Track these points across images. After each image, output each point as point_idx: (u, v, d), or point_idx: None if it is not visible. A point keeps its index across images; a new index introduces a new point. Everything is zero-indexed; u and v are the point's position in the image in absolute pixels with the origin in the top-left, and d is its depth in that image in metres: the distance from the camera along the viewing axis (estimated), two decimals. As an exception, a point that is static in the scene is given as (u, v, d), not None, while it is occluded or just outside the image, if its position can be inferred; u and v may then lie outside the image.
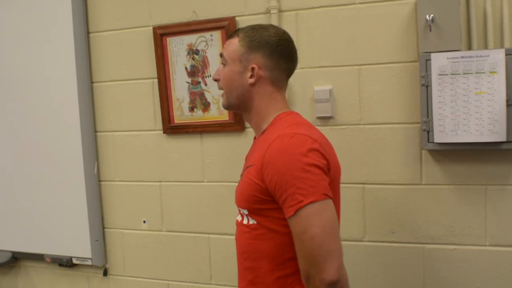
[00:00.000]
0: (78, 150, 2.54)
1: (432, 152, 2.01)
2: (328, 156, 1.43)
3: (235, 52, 1.54)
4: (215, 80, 1.62)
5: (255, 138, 1.64)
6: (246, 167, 1.54)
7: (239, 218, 1.56)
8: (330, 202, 1.37)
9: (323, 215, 1.35)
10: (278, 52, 1.54)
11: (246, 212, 1.50)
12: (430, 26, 1.90)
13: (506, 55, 1.81)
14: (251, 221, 1.49)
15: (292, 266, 1.44)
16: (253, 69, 1.52)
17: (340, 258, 1.36)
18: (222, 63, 1.59)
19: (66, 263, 2.68)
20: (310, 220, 1.33)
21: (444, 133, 1.90)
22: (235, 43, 1.55)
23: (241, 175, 1.57)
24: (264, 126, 1.56)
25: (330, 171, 1.44)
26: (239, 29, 1.59)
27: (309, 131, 1.45)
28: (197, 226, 2.45)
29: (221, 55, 1.59)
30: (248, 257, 1.52)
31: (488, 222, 1.99)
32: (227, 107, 1.63)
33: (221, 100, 2.22)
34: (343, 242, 2.11)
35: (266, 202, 1.43)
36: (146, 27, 2.42)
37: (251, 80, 1.53)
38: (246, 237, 1.52)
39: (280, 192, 1.37)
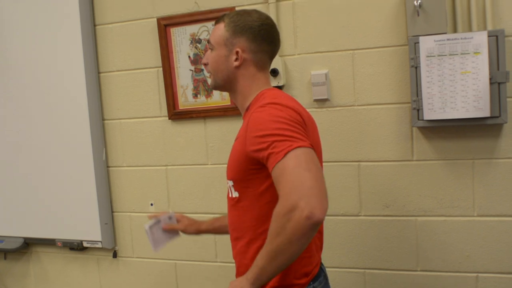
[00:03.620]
0: (87, 138, 2.66)
1: (422, 129, 2.14)
2: (308, 130, 1.49)
3: (220, 37, 1.63)
4: (205, 64, 1.71)
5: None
6: (234, 140, 1.62)
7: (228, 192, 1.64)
8: (315, 154, 1.38)
9: (314, 158, 1.34)
10: (260, 35, 1.61)
11: (231, 183, 1.57)
12: (418, 12, 2.04)
13: (488, 36, 1.94)
14: (234, 194, 1.57)
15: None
16: (237, 52, 1.60)
17: (327, 203, 1.30)
18: (210, 48, 1.67)
19: (77, 247, 2.78)
20: (304, 157, 1.32)
21: (432, 111, 2.03)
22: (221, 28, 1.63)
23: None
24: (248, 103, 1.64)
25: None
26: (225, 15, 1.66)
27: (292, 104, 1.50)
28: (202, 206, 2.57)
29: (208, 41, 1.69)
30: (235, 228, 1.62)
31: (475, 194, 2.12)
32: (214, 87, 1.71)
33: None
34: (340, 218, 2.29)
35: (249, 172, 1.49)
36: (150, 19, 2.54)
37: (236, 63, 1.61)
38: (232, 210, 1.61)
39: (266, 144, 1.37)
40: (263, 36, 1.62)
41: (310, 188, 1.26)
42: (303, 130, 1.42)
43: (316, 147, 1.51)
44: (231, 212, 1.63)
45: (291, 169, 1.30)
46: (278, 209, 1.29)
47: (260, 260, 1.35)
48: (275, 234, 1.30)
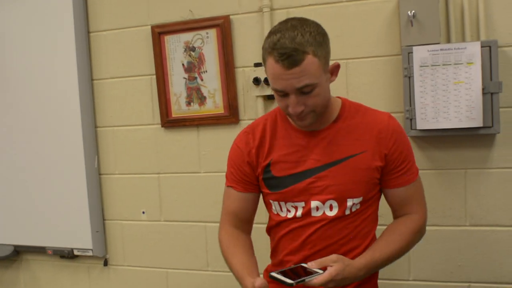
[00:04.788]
0: (79, 145, 2.64)
1: (415, 138, 2.15)
2: None
3: (318, 68, 1.39)
4: (302, 111, 1.43)
5: (304, 130, 1.56)
6: (348, 156, 1.52)
7: (328, 212, 1.54)
8: None
9: None
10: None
11: (359, 200, 1.53)
12: (411, 22, 2.05)
13: (481, 47, 1.95)
14: (354, 208, 1.54)
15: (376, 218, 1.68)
16: (338, 65, 1.51)
17: None
18: (307, 92, 1.40)
19: (68, 255, 2.76)
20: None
21: (426, 121, 2.04)
22: (313, 61, 1.36)
23: (323, 165, 1.53)
24: (335, 114, 1.55)
25: None
26: (297, 49, 1.35)
27: None
28: (194, 215, 2.56)
29: (304, 86, 1.38)
30: (349, 240, 1.55)
31: (467, 204, 2.13)
32: (313, 122, 1.50)
33: (217, 95, 2.35)
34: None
35: (375, 182, 1.56)
36: (144, 26, 2.54)
37: (334, 78, 1.51)
38: (344, 224, 1.53)
39: (406, 162, 1.56)
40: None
41: None
42: None
43: None
44: (341, 227, 1.54)
45: (422, 190, 1.65)
46: (421, 222, 1.62)
47: (385, 254, 1.51)
48: (416, 239, 1.61)
